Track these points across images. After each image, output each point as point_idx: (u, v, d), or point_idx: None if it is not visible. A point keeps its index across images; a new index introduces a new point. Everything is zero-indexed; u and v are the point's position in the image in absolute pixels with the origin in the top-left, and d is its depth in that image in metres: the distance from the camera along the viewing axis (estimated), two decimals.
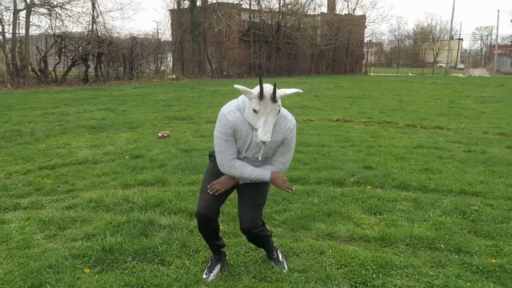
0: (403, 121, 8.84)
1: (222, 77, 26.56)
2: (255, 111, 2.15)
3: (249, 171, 2.38)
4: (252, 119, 2.20)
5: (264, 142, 2.16)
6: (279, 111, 2.19)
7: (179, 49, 27.15)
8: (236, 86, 2.20)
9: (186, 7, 26.49)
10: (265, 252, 2.90)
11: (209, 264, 2.75)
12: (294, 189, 2.52)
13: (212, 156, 2.57)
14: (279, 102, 2.16)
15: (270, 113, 2.14)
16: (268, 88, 2.14)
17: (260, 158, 2.39)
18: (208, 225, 2.57)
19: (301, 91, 2.34)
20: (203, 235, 2.67)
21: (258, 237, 2.61)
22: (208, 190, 2.45)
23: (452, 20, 50.40)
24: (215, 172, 2.51)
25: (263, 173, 2.41)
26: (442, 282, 2.56)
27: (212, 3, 26.16)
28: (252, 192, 2.51)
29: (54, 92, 15.46)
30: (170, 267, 2.78)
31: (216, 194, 2.45)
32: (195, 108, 11.03)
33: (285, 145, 2.41)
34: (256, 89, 2.15)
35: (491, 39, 66.30)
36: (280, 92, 2.19)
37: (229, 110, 2.30)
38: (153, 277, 2.64)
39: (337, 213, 3.68)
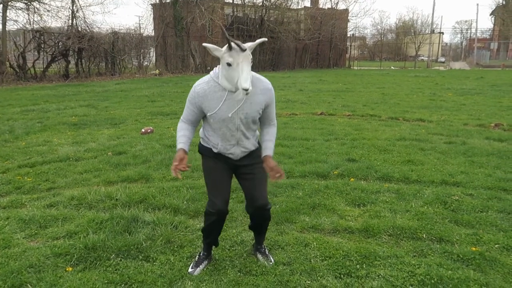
0: (386, 114, 8.94)
1: (206, 72, 26.37)
2: (229, 64, 2.20)
3: (178, 135, 2.50)
4: (229, 76, 2.24)
5: (246, 89, 2.16)
6: (251, 60, 2.25)
7: (162, 44, 26.85)
8: (204, 44, 2.26)
9: (168, 1, 26.18)
10: (250, 246, 2.91)
11: (196, 259, 2.74)
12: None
13: (202, 151, 2.56)
14: (249, 52, 2.21)
15: (244, 61, 2.19)
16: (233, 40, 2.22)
17: (250, 119, 2.38)
18: (223, 221, 2.58)
19: (265, 39, 2.48)
20: (212, 232, 2.64)
21: (266, 218, 2.65)
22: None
23: (433, 14, 51.18)
24: (219, 166, 2.50)
25: (179, 143, 2.45)
26: (424, 271, 2.61)
27: None
28: (257, 172, 2.53)
29: (34, 89, 15.14)
30: (154, 263, 2.76)
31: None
32: (179, 103, 10.94)
33: (270, 106, 2.48)
34: (226, 45, 2.22)
35: (470, 32, 67.47)
36: (247, 44, 2.26)
37: (199, 83, 2.40)
38: (137, 273, 2.61)
39: (321, 205, 3.70)
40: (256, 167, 2.54)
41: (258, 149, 2.57)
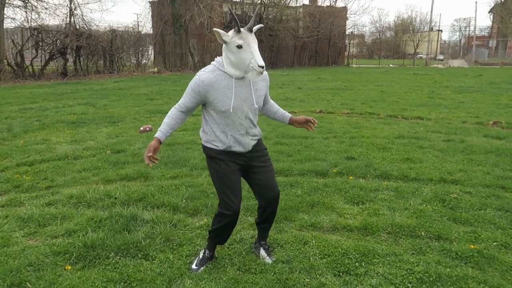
0: (384, 112, 8.95)
1: None
2: (239, 46, 2.22)
3: (164, 121, 2.50)
4: (239, 59, 2.26)
5: (263, 67, 2.22)
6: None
7: (160, 42, 26.78)
8: (215, 29, 2.26)
9: None
10: (250, 244, 2.91)
11: (200, 257, 2.72)
12: (157, 161, 2.54)
13: (210, 152, 2.51)
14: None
15: (253, 42, 2.25)
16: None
17: (256, 106, 2.43)
18: (236, 221, 2.58)
19: (262, 25, 2.53)
20: (225, 233, 2.64)
21: (277, 206, 2.71)
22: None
23: (431, 12, 51.17)
24: (221, 166, 2.47)
25: (159, 130, 2.49)
26: (422, 268, 2.62)
27: None
28: (267, 162, 2.59)
29: (32, 87, 15.10)
30: (153, 261, 2.76)
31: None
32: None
33: (268, 89, 2.59)
34: (231, 31, 2.27)
35: (469, 30, 67.57)
36: (249, 24, 2.31)
37: (204, 72, 2.38)
38: (137, 272, 2.62)
39: (320, 203, 3.71)
40: (266, 159, 2.60)
41: (261, 139, 2.65)
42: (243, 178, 2.62)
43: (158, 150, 2.47)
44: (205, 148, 2.54)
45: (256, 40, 2.28)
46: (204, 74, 2.35)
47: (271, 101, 2.73)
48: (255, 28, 2.29)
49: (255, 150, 2.55)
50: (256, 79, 2.39)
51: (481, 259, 2.73)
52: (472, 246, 2.88)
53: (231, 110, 2.35)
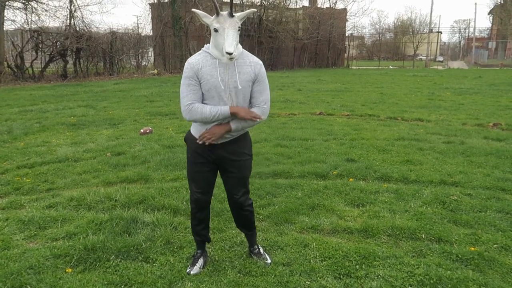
0: (384, 113, 8.95)
1: None
2: (215, 30, 2.26)
3: (208, 110, 2.34)
4: (216, 42, 2.30)
5: (230, 53, 2.22)
6: (239, 28, 2.29)
7: (160, 43, 26.81)
8: (193, 10, 2.31)
9: (166, 0, 26.14)
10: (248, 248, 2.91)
11: (192, 259, 2.75)
12: (262, 117, 2.43)
13: (187, 140, 2.57)
14: (237, 20, 2.27)
15: (230, 27, 2.25)
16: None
17: (240, 87, 2.36)
18: (204, 210, 2.63)
19: (255, 10, 2.55)
20: (197, 223, 2.69)
21: (247, 214, 2.68)
22: (198, 141, 2.42)
23: (431, 14, 51.27)
24: (194, 156, 2.51)
25: (222, 108, 2.34)
26: (423, 271, 2.62)
27: None
28: (237, 168, 2.54)
29: (32, 89, 15.11)
30: (154, 264, 2.76)
31: (206, 143, 2.41)
32: (178, 103, 10.91)
33: (260, 83, 2.44)
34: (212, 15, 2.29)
35: (468, 32, 67.58)
36: (237, 14, 2.30)
37: (191, 58, 2.42)
38: (137, 274, 2.62)
39: (320, 206, 3.71)
40: (239, 165, 2.53)
41: (246, 139, 2.58)
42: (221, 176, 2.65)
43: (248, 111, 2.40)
44: (188, 135, 2.57)
45: (236, 26, 2.27)
46: (192, 58, 2.42)
47: (261, 107, 2.46)
48: (240, 14, 2.30)
49: (231, 152, 2.49)
50: (241, 62, 2.38)
51: (482, 262, 2.73)
52: (473, 249, 2.88)
53: (213, 87, 2.33)
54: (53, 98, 12.07)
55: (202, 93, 2.38)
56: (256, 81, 2.43)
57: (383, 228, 3.22)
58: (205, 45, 2.47)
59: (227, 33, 2.24)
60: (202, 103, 2.39)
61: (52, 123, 7.91)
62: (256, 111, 2.42)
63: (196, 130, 2.50)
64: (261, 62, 2.49)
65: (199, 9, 22.14)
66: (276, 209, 3.61)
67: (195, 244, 2.83)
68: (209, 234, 2.84)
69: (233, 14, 2.26)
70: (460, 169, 4.74)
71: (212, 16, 2.32)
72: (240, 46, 2.38)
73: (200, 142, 2.43)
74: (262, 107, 2.46)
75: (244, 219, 2.72)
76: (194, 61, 2.39)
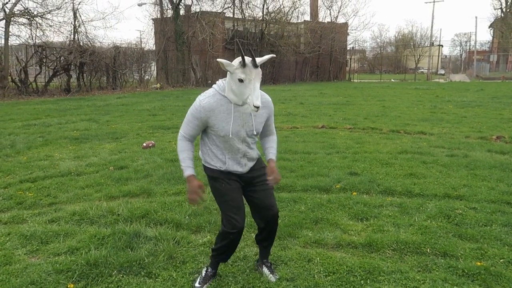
0: (387, 127, 8.95)
1: (207, 85, 26.52)
2: (240, 80, 2.21)
3: (181, 156, 2.45)
4: (239, 91, 2.26)
5: (258, 107, 2.20)
6: (261, 76, 2.28)
7: (163, 58, 27.06)
8: (219, 59, 2.26)
9: (169, 16, 26.46)
10: (253, 262, 2.88)
11: (203, 275, 2.69)
12: (202, 201, 2.50)
13: (211, 173, 2.52)
14: (260, 69, 2.24)
15: (256, 78, 2.22)
16: (247, 57, 2.23)
17: (255, 133, 2.43)
18: (240, 238, 2.57)
19: (274, 55, 2.51)
20: (229, 250, 2.63)
21: (277, 225, 2.67)
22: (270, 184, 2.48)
23: (432, 27, 51.59)
24: (223, 185, 2.48)
25: (186, 169, 2.43)
26: (429, 286, 2.58)
27: (196, 12, 26.22)
28: (266, 185, 2.54)
29: (35, 103, 15.21)
30: (156, 279, 2.73)
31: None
32: (180, 117, 10.96)
33: (271, 117, 2.55)
34: (237, 60, 2.23)
35: (469, 45, 67.91)
36: (258, 59, 2.26)
37: (205, 97, 2.38)
38: None
39: (324, 220, 3.68)
40: (265, 178, 2.55)
41: (261, 158, 2.62)
42: (245, 196, 2.62)
43: (202, 185, 2.45)
44: (206, 169, 2.55)
45: (260, 75, 2.25)
46: (205, 99, 2.36)
47: (271, 137, 2.62)
48: (261, 60, 2.27)
49: (253, 169, 2.55)
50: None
51: (488, 277, 2.69)
52: (479, 263, 2.84)
53: (230, 135, 2.37)
54: (56, 112, 12.14)
55: (216, 137, 2.42)
56: (268, 118, 2.52)
57: (387, 243, 3.18)
58: (217, 82, 2.41)
59: (254, 86, 2.20)
60: (213, 149, 2.46)
61: (55, 137, 7.94)
62: (269, 138, 2.61)
63: (210, 159, 2.49)
64: (270, 99, 2.52)
65: (202, 24, 22.31)
66: (279, 223, 3.56)
67: (202, 260, 2.79)
68: None
69: (258, 64, 2.22)
70: (464, 183, 4.71)
71: (233, 62, 2.26)
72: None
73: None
74: (272, 134, 2.62)
75: (273, 231, 2.69)
76: (206, 104, 2.33)
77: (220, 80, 2.41)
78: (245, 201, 2.63)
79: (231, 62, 2.27)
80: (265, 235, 2.70)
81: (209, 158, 2.50)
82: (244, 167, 2.50)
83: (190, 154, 2.45)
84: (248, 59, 2.20)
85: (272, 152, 2.58)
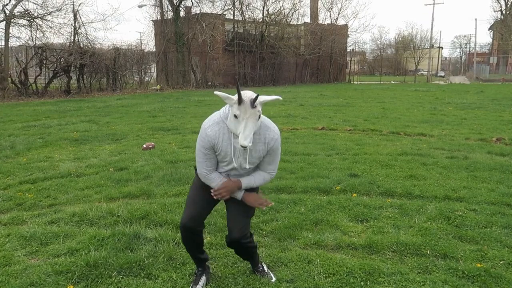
0: (387, 128, 8.95)
1: (207, 87, 26.56)
2: (235, 116, 2.18)
3: (215, 183, 2.43)
4: (233, 125, 2.23)
5: (244, 147, 2.17)
6: (259, 117, 2.22)
7: (163, 59, 27.10)
8: (216, 92, 2.23)
9: (169, 17, 26.50)
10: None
11: (194, 277, 2.71)
12: (272, 203, 2.51)
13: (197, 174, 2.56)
14: (259, 108, 2.19)
15: (250, 118, 2.16)
16: (248, 93, 2.19)
17: (248, 167, 2.40)
18: (193, 238, 2.55)
19: (280, 98, 2.36)
20: (187, 248, 2.64)
21: (247, 248, 2.59)
22: (212, 195, 2.43)
23: (432, 29, 51.52)
24: (201, 184, 2.49)
25: (237, 193, 2.44)
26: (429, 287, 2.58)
27: (196, 14, 26.26)
28: (240, 203, 2.49)
29: (35, 105, 15.21)
30: (156, 280, 2.73)
31: (220, 199, 2.47)
32: (180, 118, 10.97)
33: (271, 155, 2.44)
34: (236, 96, 2.18)
35: (469, 47, 68.01)
36: (260, 98, 2.21)
37: (210, 125, 2.33)
38: None
39: (324, 221, 3.68)
40: (238, 201, 2.50)
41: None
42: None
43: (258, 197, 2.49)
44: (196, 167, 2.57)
45: (256, 116, 2.18)
46: (209, 127, 2.33)
47: (263, 173, 2.49)
48: (263, 100, 2.22)
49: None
50: (255, 139, 2.32)
51: (488, 278, 2.69)
52: (479, 265, 2.84)
53: (235, 165, 2.38)
54: (56, 114, 12.15)
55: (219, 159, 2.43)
56: (267, 154, 2.42)
57: (387, 244, 3.18)
58: (222, 108, 2.36)
59: (245, 124, 2.15)
60: (219, 166, 2.46)
61: (55, 139, 7.93)
62: (260, 172, 2.49)
63: None
64: (277, 136, 2.41)
65: (202, 26, 22.32)
66: (279, 224, 3.58)
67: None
68: (205, 254, 2.74)
69: (256, 105, 2.16)
70: (464, 184, 4.71)
71: (233, 96, 2.20)
72: (260, 119, 2.26)
73: (216, 198, 2.46)
74: (270, 174, 2.51)
75: (241, 251, 2.66)
76: (211, 133, 2.31)
77: (226, 107, 2.35)
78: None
79: (232, 96, 2.20)
80: (236, 251, 2.69)
81: None
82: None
83: (218, 179, 2.42)
84: (246, 98, 2.14)
85: (247, 178, 2.45)
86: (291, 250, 3.14)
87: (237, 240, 2.48)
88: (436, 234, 3.37)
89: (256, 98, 2.15)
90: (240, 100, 2.14)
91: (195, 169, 2.56)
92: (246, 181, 2.45)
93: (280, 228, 3.49)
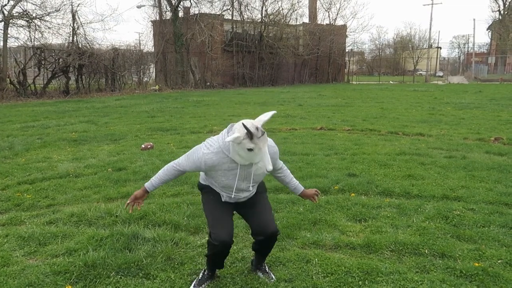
0: (385, 128, 8.96)
1: (205, 87, 26.55)
2: (250, 149, 2.21)
3: (159, 173, 2.56)
4: (248, 157, 2.27)
5: (270, 171, 2.26)
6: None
7: (162, 60, 27.07)
8: (228, 139, 2.19)
9: (168, 18, 26.49)
10: (250, 263, 2.88)
11: (199, 277, 2.69)
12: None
13: (203, 188, 2.60)
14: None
15: (264, 145, 2.24)
16: (249, 124, 2.19)
17: (251, 189, 2.49)
18: (227, 250, 2.55)
19: (275, 112, 2.41)
20: (216, 261, 2.63)
21: (275, 241, 2.66)
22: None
23: (430, 29, 51.46)
24: (217, 198, 2.52)
25: (149, 181, 2.56)
26: (427, 287, 2.58)
27: (195, 14, 26.24)
28: (263, 201, 2.58)
29: (34, 105, 15.19)
30: (154, 280, 2.73)
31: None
32: (179, 119, 10.97)
33: (276, 161, 2.55)
34: (240, 131, 2.18)
35: (468, 47, 68.10)
36: (260, 122, 2.25)
37: (209, 152, 2.35)
38: None
39: (322, 221, 3.68)
40: (261, 196, 2.60)
41: (262, 184, 2.65)
42: (238, 212, 2.64)
43: (143, 198, 2.57)
44: (200, 184, 2.62)
45: (267, 140, 2.26)
46: (208, 154, 2.34)
47: (284, 170, 2.67)
48: (265, 121, 2.27)
49: (251, 197, 2.58)
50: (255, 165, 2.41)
51: (486, 277, 2.70)
52: (477, 264, 2.84)
53: (234, 191, 2.42)
54: (55, 114, 12.13)
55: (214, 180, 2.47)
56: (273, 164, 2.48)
57: (385, 244, 3.19)
58: (223, 136, 2.34)
59: (264, 152, 2.22)
60: (214, 184, 2.50)
61: (53, 139, 7.93)
62: (283, 172, 2.69)
63: (205, 182, 2.58)
64: (276, 148, 2.52)
65: (200, 26, 22.31)
66: (277, 224, 3.57)
67: (201, 261, 2.80)
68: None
69: (264, 131, 2.23)
70: (462, 184, 4.72)
71: (239, 133, 2.19)
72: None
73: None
74: (281, 167, 2.66)
75: (271, 246, 2.68)
76: (208, 160, 2.34)
77: (227, 134, 2.32)
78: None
79: (237, 134, 2.19)
80: (262, 246, 2.68)
81: (209, 183, 2.55)
82: (242, 199, 2.54)
83: (165, 177, 2.53)
84: (254, 130, 2.17)
85: (296, 183, 2.72)
86: (290, 250, 3.14)
87: (276, 233, 2.56)
88: (434, 234, 3.37)
89: (262, 126, 2.22)
90: (252, 137, 2.17)
91: (199, 188, 2.61)
92: (299, 185, 2.75)
93: (278, 228, 3.49)
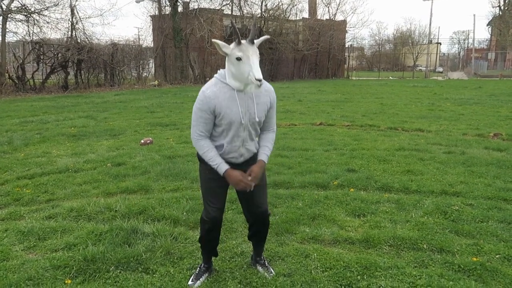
0: (384, 124, 8.96)
1: (205, 82, 26.33)
2: (238, 59, 2.20)
3: (209, 156, 2.37)
4: (238, 72, 2.24)
5: (260, 81, 2.19)
6: (258, 55, 2.27)
7: (161, 55, 26.99)
8: (214, 40, 2.26)
9: (167, 13, 26.39)
10: (250, 258, 2.89)
11: (196, 271, 2.71)
12: (252, 188, 2.42)
13: (201, 159, 2.50)
14: (256, 46, 2.25)
15: (253, 55, 2.21)
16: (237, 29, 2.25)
17: (257, 119, 2.38)
18: (218, 230, 2.58)
19: (268, 36, 2.52)
20: (207, 242, 2.63)
21: (267, 224, 2.65)
22: (248, 190, 2.41)
23: (430, 25, 51.55)
24: (212, 176, 2.44)
25: (220, 165, 2.37)
26: (425, 281, 2.59)
27: (194, 9, 26.14)
28: (259, 183, 2.49)
29: (33, 100, 15.16)
30: (154, 275, 2.74)
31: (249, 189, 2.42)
32: (178, 114, 10.96)
33: (273, 108, 2.49)
34: (233, 43, 2.24)
35: (468, 43, 67.97)
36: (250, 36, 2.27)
37: (208, 87, 2.35)
38: (137, 286, 2.60)
39: (321, 216, 3.69)
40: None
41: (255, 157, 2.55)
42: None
43: (242, 172, 2.39)
44: (198, 154, 2.52)
45: (258, 53, 2.25)
46: (208, 89, 2.33)
47: (270, 134, 2.54)
48: (257, 41, 2.29)
49: (249, 165, 2.46)
50: (258, 92, 2.37)
51: (484, 272, 2.71)
52: (475, 259, 2.86)
53: (242, 121, 2.33)
54: (54, 109, 12.11)
55: (217, 125, 2.36)
56: (270, 107, 2.46)
57: (384, 239, 3.20)
58: (218, 71, 2.39)
59: (252, 61, 2.19)
60: (217, 137, 2.40)
61: (52, 134, 7.92)
62: (268, 136, 2.52)
63: None
64: (273, 88, 2.49)
65: (200, 21, 22.18)
66: (276, 219, 3.60)
67: (200, 256, 2.80)
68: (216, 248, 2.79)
69: (254, 41, 2.23)
70: (461, 179, 4.73)
71: (230, 44, 2.26)
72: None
73: (247, 190, 2.42)
74: (271, 130, 2.55)
75: (265, 227, 2.68)
76: (210, 94, 2.30)
77: (220, 70, 2.40)
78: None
79: (228, 45, 2.26)
80: (254, 230, 2.71)
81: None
82: (239, 158, 2.44)
83: (215, 151, 2.39)
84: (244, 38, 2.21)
85: (265, 153, 2.48)
86: (289, 245, 3.15)
87: (266, 212, 2.55)
88: (432, 229, 3.39)
89: (253, 33, 2.23)
90: (239, 40, 2.19)
91: (198, 157, 2.50)
92: (264, 155, 2.48)
93: (277, 223, 3.50)
